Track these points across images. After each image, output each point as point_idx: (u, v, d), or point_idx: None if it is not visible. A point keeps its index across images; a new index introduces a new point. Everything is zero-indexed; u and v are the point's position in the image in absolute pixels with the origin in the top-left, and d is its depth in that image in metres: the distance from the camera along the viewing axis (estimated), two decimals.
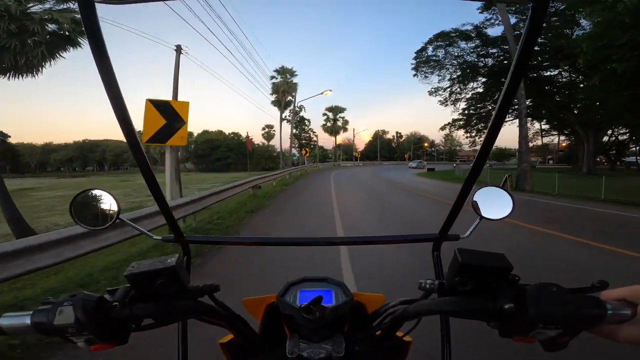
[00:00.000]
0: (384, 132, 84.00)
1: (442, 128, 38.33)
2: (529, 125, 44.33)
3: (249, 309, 0.75)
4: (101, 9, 0.38)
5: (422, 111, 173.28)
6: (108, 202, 0.76)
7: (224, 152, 75.10)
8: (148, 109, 5.83)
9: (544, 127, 42.23)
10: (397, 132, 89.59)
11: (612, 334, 0.44)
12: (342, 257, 4.35)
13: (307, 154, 27.00)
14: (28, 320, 0.48)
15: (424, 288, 0.56)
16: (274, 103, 47.12)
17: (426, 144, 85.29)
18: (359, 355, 0.63)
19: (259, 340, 0.67)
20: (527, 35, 0.39)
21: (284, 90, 44.73)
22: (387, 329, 0.63)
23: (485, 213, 0.80)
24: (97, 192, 0.76)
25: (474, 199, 0.81)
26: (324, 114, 54.28)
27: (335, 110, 53.39)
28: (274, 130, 75.19)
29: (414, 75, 33.88)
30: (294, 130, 53.91)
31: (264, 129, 77.23)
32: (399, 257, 4.32)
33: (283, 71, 45.12)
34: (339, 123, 54.47)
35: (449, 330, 0.75)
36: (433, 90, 35.35)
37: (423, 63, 32.35)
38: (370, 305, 0.74)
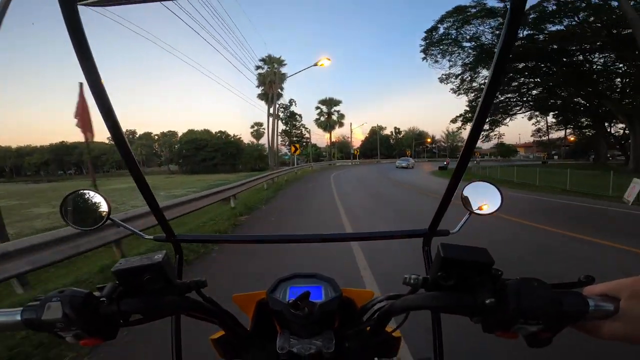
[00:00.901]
0: (381, 128, 77.82)
1: (454, 120, 33.88)
2: (538, 119, 40.85)
3: (239, 305, 0.75)
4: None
5: (421, 107, 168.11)
6: (98, 203, 0.76)
7: (209, 152, 69.90)
8: None
9: (551, 120, 39.54)
10: (395, 128, 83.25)
11: (596, 330, 0.43)
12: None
13: (298, 152, 21.44)
14: (18, 317, 0.49)
15: (408, 283, 0.56)
16: (261, 96, 42.08)
17: (429, 139, 79.75)
18: (349, 351, 0.64)
19: (250, 336, 0.67)
20: (506, 32, 0.40)
21: (271, 80, 39.64)
22: (375, 324, 0.62)
23: (474, 208, 0.82)
24: (87, 192, 0.76)
25: (464, 193, 0.82)
26: (317, 108, 47.95)
27: (330, 102, 46.56)
28: (264, 128, 70.10)
29: (423, 58, 29.66)
30: (284, 127, 48.91)
31: (252, 126, 72.15)
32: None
33: (270, 60, 40.09)
34: (334, 117, 47.19)
35: (440, 325, 0.76)
36: (444, 76, 31.24)
37: (434, 45, 27.78)
38: (359, 300, 0.73)
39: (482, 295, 0.46)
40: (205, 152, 70.04)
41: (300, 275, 0.73)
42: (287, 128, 47.49)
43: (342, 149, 73.23)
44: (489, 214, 0.82)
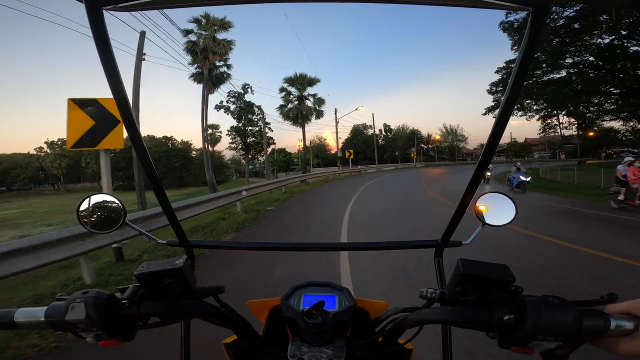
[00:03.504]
0: (365, 126, 62.00)
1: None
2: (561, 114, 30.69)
3: (253, 311, 0.76)
4: None
5: (408, 105, 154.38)
6: (114, 206, 0.78)
7: None
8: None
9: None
10: (385, 125, 65.57)
11: (614, 347, 0.44)
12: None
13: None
14: (42, 316, 0.51)
15: (425, 297, 0.56)
16: (194, 77, 27.19)
17: (437, 137, 65.13)
18: None
19: (262, 343, 0.68)
20: (527, 42, 0.39)
21: (206, 48, 24.97)
22: (388, 336, 0.63)
23: (488, 219, 0.81)
24: (102, 196, 0.79)
25: (477, 204, 0.82)
26: (282, 90, 27.10)
27: (302, 81, 26.65)
28: (220, 132, 54.91)
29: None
30: (237, 123, 34.06)
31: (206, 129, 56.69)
32: None
33: (208, 22, 25.37)
34: (309, 103, 27.41)
35: (451, 338, 0.75)
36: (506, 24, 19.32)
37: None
38: (373, 311, 0.74)
39: (500, 311, 0.46)
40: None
41: (314, 284, 0.72)
42: (241, 124, 32.75)
43: (318, 153, 58.76)
44: (502, 225, 0.81)
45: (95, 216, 0.77)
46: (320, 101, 26.55)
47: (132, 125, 0.50)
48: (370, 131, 57.81)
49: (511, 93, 0.44)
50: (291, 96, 26.59)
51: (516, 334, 0.46)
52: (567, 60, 24.59)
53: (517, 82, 0.43)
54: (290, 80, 26.49)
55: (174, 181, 49.65)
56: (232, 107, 33.33)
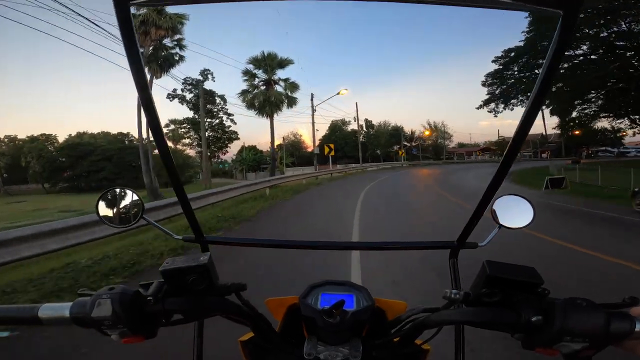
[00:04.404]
0: (344, 122, 56.81)
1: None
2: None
3: (270, 309, 0.78)
4: None
5: (388, 100, 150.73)
6: (132, 201, 0.78)
7: (95, 161, 46.97)
8: None
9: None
10: (366, 120, 59.25)
11: (636, 349, 0.45)
12: None
13: None
14: (67, 312, 0.51)
15: (448, 298, 0.56)
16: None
17: (427, 132, 60.88)
18: None
19: (279, 341, 0.68)
20: (556, 44, 0.40)
21: (146, 20, 19.79)
22: (406, 336, 0.64)
23: (504, 221, 0.81)
24: (122, 190, 0.79)
25: (493, 207, 0.81)
26: (246, 72, 21.99)
27: (270, 63, 21.57)
28: (184, 128, 48.71)
29: None
30: (194, 115, 28.71)
31: (167, 125, 50.34)
32: None
33: None
34: (279, 88, 22.36)
35: (464, 339, 0.76)
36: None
37: None
38: (390, 311, 0.75)
39: (527, 313, 0.47)
40: (89, 162, 47.01)
41: (332, 283, 0.73)
42: (197, 117, 27.54)
43: (293, 151, 53.74)
44: (519, 228, 0.81)
45: (113, 210, 0.77)
46: (293, 86, 21.56)
47: (156, 122, 0.51)
48: (350, 127, 53.24)
49: (540, 90, 0.44)
50: (257, 80, 21.58)
51: (543, 336, 0.46)
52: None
53: (546, 81, 0.43)
54: (257, 61, 21.36)
55: (128, 183, 43.08)
56: (189, 96, 28.02)
